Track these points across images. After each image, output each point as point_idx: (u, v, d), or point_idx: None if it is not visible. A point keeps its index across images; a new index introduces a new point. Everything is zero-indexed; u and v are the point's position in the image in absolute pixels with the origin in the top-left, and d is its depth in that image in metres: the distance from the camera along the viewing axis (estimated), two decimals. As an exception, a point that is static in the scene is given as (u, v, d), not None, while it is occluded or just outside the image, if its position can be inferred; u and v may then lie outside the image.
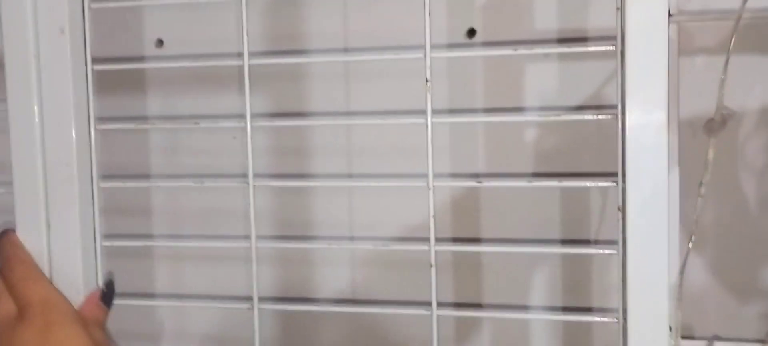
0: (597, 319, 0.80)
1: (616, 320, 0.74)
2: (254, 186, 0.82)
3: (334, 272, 0.95)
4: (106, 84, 0.92)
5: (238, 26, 0.92)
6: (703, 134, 0.74)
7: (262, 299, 0.83)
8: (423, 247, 0.78)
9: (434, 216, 0.76)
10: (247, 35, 0.80)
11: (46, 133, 0.81)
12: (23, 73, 0.80)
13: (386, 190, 0.92)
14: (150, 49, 0.96)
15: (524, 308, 0.89)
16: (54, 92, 0.81)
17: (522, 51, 0.80)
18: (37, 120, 0.81)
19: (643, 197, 0.70)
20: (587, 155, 0.86)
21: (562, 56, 0.86)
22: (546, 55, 0.86)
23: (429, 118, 0.76)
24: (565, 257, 0.88)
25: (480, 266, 0.90)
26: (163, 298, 0.98)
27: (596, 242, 0.87)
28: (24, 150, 0.81)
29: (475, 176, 0.87)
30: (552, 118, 0.80)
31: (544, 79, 0.86)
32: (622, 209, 0.72)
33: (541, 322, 0.89)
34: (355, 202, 0.93)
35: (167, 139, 0.97)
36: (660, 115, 0.69)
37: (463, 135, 0.88)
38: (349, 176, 0.92)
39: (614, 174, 0.72)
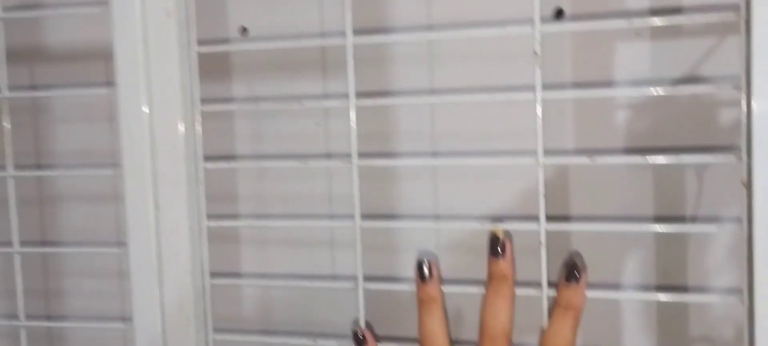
0: (717, 298, 0.76)
1: (740, 300, 0.71)
2: (356, 166, 0.81)
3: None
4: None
5: (321, 14, 0.91)
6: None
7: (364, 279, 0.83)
8: (533, 226, 0.76)
9: (545, 195, 0.74)
10: (350, 12, 0.79)
11: (154, 117, 0.82)
12: (132, 57, 0.81)
13: (470, 175, 0.89)
14: (235, 37, 0.96)
15: (617, 287, 0.86)
16: (161, 75, 0.82)
17: (634, 21, 0.76)
18: (145, 103, 0.82)
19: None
20: (681, 133, 0.82)
21: (655, 35, 0.82)
22: (637, 34, 0.82)
23: (538, 93, 0.74)
24: (659, 238, 0.84)
25: (569, 248, 0.87)
26: (270, 278, 0.98)
27: (694, 220, 0.83)
28: (133, 133, 0.83)
29: (572, 152, 0.85)
30: (666, 90, 0.76)
31: (636, 60, 0.83)
32: (748, 184, 0.68)
33: (634, 304, 0.86)
34: (441, 187, 0.91)
35: (252, 124, 0.97)
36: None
37: (551, 114, 0.85)
38: (435, 154, 0.90)
39: (726, 149, 0.69)
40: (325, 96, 0.93)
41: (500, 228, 0.78)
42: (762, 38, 0.66)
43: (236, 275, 0.98)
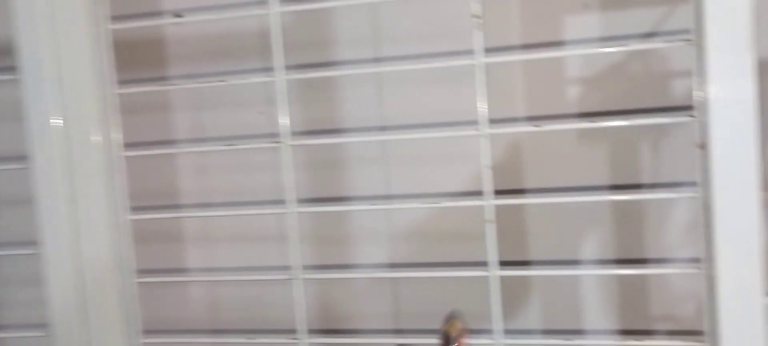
0: (677, 271, 0.72)
1: (699, 269, 0.67)
2: (290, 148, 0.75)
3: (371, 247, 0.89)
4: (125, 60, 0.86)
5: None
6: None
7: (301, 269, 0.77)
8: (477, 202, 0.71)
9: (494, 168, 0.69)
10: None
11: (65, 104, 0.75)
12: (37, 41, 0.74)
13: (421, 159, 0.85)
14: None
15: (576, 263, 0.82)
16: (72, 58, 0.74)
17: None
18: (56, 88, 0.75)
19: (729, 133, 0.62)
20: (633, 104, 0.78)
21: (604, 6, 0.78)
22: (586, 5, 0.78)
23: (480, 58, 0.69)
24: (617, 211, 0.80)
25: (524, 227, 0.83)
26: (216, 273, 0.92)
27: (653, 186, 0.79)
28: (43, 124, 0.75)
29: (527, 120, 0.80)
30: (621, 48, 0.72)
31: (585, 32, 0.79)
32: (704, 146, 0.64)
33: (593, 279, 0.82)
34: (392, 172, 0.87)
35: (192, 117, 0.92)
36: (743, 42, 0.61)
37: (501, 90, 0.80)
38: (384, 129, 0.85)
39: (677, 109, 0.65)
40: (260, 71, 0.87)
41: (457, 324, 0.72)
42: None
43: (177, 272, 0.92)
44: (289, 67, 0.79)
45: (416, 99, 0.84)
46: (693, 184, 0.68)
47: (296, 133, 0.83)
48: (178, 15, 0.87)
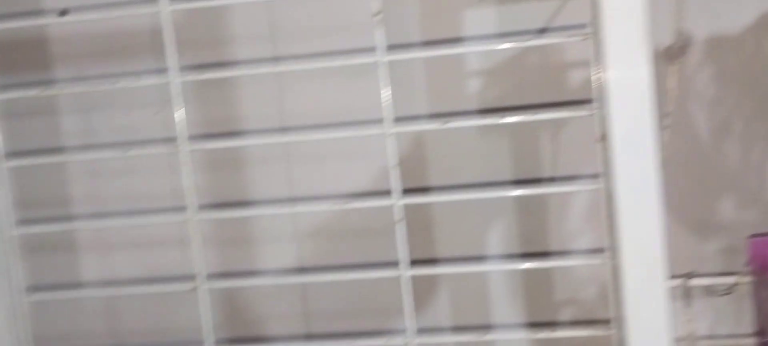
0: (583, 262, 0.74)
1: (603, 259, 0.68)
2: (186, 153, 0.72)
3: (276, 249, 0.86)
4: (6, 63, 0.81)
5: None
6: (662, 62, 0.70)
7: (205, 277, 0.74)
8: (386, 202, 0.70)
9: (398, 166, 0.68)
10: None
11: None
12: None
13: (324, 157, 0.83)
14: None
15: (482, 258, 0.83)
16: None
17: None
18: None
19: (628, 123, 0.63)
20: (532, 96, 0.79)
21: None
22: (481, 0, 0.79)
23: (382, 56, 0.68)
24: (520, 205, 0.82)
25: (430, 225, 0.83)
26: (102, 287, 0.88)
27: (552, 180, 0.80)
28: None
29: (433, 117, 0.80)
30: (519, 44, 0.72)
31: (483, 25, 0.79)
32: (604, 137, 0.65)
33: (500, 273, 0.83)
34: (295, 171, 0.85)
35: (81, 119, 0.87)
36: (640, 34, 0.62)
37: (403, 87, 0.80)
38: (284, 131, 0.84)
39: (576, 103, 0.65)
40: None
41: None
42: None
43: (73, 286, 0.87)
44: (185, 67, 0.76)
45: (317, 96, 0.83)
46: (593, 176, 0.70)
47: (194, 136, 0.80)
48: (63, 13, 0.82)
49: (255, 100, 0.84)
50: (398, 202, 0.69)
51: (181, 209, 0.80)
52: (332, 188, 0.84)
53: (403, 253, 0.70)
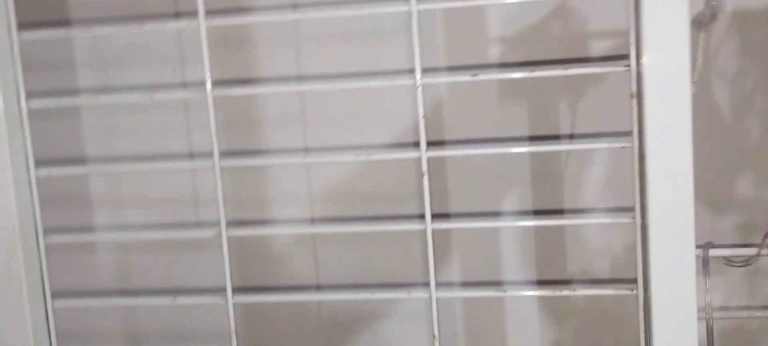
0: (610, 220, 0.73)
1: (631, 219, 0.68)
2: (212, 102, 0.72)
3: (290, 209, 0.87)
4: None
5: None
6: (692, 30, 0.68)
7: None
8: (414, 153, 0.70)
9: (425, 117, 0.68)
10: None
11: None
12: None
13: (341, 120, 0.84)
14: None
15: (497, 214, 0.83)
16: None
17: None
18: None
19: (663, 82, 0.62)
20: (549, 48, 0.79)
21: None
22: None
23: (415, 5, 0.67)
24: (536, 164, 0.82)
25: (446, 183, 0.83)
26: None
27: (572, 137, 0.80)
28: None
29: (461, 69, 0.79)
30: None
31: None
32: (638, 96, 0.64)
33: (513, 234, 0.83)
34: (310, 130, 0.85)
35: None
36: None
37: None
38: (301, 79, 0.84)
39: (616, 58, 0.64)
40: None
41: None
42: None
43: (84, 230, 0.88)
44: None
45: (335, 56, 0.83)
46: (617, 134, 0.69)
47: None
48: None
49: (274, 58, 0.84)
50: (425, 154, 0.69)
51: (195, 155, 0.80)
52: (347, 145, 0.84)
53: (427, 207, 0.70)
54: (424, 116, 0.69)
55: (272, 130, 0.85)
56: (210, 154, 0.74)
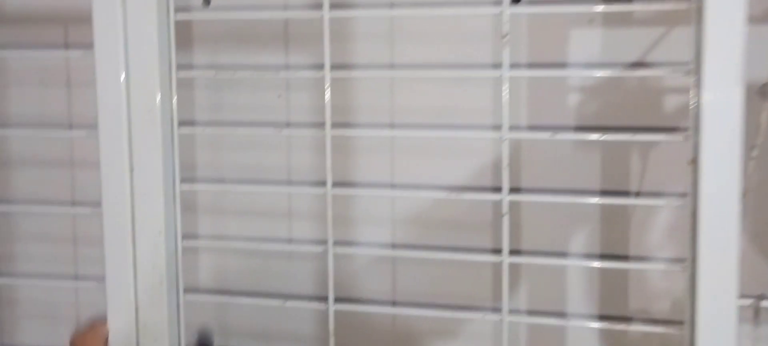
0: (663, 267, 0.83)
1: (683, 268, 0.77)
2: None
3: (373, 232, 0.97)
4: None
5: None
6: (757, 98, 0.76)
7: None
8: (495, 196, 0.81)
9: (502, 170, 0.79)
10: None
11: (130, 81, 0.84)
12: (110, 20, 0.82)
13: (426, 151, 0.93)
14: (196, 6, 0.96)
15: (564, 255, 0.92)
16: (139, 39, 0.83)
17: (590, 7, 0.82)
18: (122, 67, 0.83)
19: (717, 152, 0.72)
20: (625, 116, 0.88)
21: (607, 21, 0.87)
22: (590, 20, 0.87)
23: (505, 71, 0.79)
24: (604, 211, 0.90)
25: (520, 219, 0.92)
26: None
27: (638, 194, 0.89)
28: (109, 97, 0.84)
29: (535, 129, 0.90)
30: (623, 73, 0.82)
31: (588, 45, 0.88)
32: (695, 162, 0.74)
33: (579, 271, 0.92)
34: (397, 160, 0.95)
35: (212, 95, 1.00)
36: (736, 72, 0.71)
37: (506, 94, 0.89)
38: (392, 126, 0.94)
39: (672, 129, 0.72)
40: (294, 66, 0.96)
41: None
42: (714, 26, 0.71)
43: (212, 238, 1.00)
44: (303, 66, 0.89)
45: (425, 97, 0.93)
46: (678, 194, 0.78)
47: (303, 124, 0.92)
48: (207, 2, 0.95)
49: (370, 93, 0.94)
50: (506, 197, 0.80)
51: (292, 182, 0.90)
52: (430, 180, 0.94)
53: (505, 242, 0.81)
54: (497, 159, 0.79)
55: (363, 159, 0.95)
56: (307, 179, 0.84)
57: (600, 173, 0.90)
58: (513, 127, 0.89)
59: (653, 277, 0.91)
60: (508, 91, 0.79)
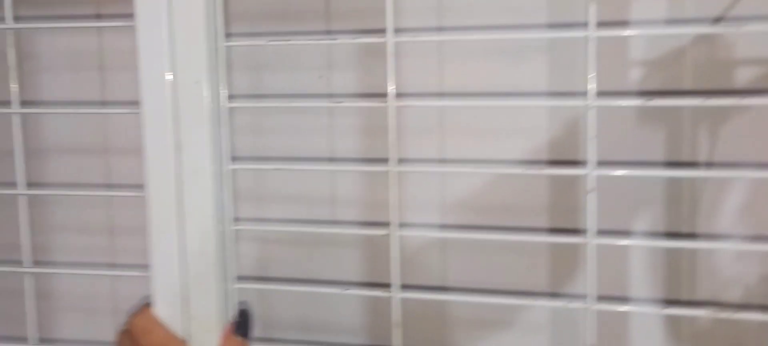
0: (749, 246, 0.75)
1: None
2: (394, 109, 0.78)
3: (423, 215, 0.92)
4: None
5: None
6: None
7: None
8: (581, 171, 0.74)
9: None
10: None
11: (176, 54, 0.77)
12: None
13: (478, 131, 0.88)
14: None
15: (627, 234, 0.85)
16: (184, 9, 0.77)
17: None
18: (167, 40, 0.77)
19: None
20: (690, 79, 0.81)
21: None
22: None
23: (592, 31, 0.72)
24: (671, 187, 0.84)
25: (577, 200, 0.85)
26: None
27: (710, 166, 0.82)
28: (153, 71, 0.77)
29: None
30: (711, 29, 0.74)
31: (654, 3, 0.81)
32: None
33: (642, 253, 0.85)
34: (447, 140, 0.89)
35: (251, 75, 0.94)
36: None
37: (563, 62, 0.83)
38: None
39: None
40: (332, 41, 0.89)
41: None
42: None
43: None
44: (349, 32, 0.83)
45: (476, 70, 0.86)
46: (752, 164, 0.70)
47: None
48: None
49: (416, 70, 0.88)
50: (592, 172, 0.73)
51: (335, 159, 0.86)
52: (483, 158, 0.88)
53: (591, 222, 0.74)
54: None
55: (412, 138, 0.89)
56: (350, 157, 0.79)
57: (666, 145, 0.83)
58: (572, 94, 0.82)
59: (724, 260, 0.84)
60: (594, 52, 0.71)
